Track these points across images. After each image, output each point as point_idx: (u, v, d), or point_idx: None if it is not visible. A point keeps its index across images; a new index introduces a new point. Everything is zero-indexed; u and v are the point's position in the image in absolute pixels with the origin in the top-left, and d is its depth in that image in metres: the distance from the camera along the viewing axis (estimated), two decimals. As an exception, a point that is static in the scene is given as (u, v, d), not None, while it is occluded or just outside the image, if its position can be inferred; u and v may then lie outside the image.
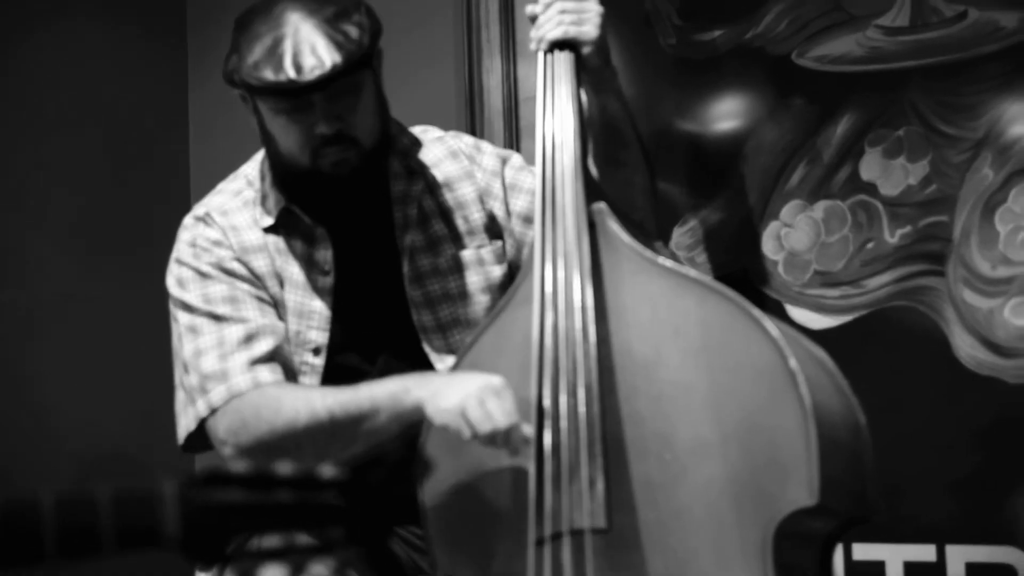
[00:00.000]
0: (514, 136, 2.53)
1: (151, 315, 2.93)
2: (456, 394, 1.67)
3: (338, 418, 1.76)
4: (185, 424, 1.90)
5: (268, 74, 1.82)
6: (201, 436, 1.89)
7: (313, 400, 1.79)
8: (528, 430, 1.65)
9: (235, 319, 1.89)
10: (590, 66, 1.88)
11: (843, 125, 2.24)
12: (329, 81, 1.82)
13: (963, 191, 2.14)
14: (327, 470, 1.12)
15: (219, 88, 3.03)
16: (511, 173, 2.06)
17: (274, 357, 1.88)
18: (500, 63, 2.55)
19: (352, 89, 1.88)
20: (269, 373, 1.86)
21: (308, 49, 1.82)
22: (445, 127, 2.17)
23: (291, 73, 1.81)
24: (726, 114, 2.35)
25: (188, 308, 1.92)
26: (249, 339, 1.87)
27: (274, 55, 1.82)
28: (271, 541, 1.10)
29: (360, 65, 1.85)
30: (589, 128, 1.89)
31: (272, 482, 1.09)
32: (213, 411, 1.85)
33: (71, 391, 2.84)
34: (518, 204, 2.04)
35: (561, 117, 1.82)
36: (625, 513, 1.62)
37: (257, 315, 1.90)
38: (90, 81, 2.97)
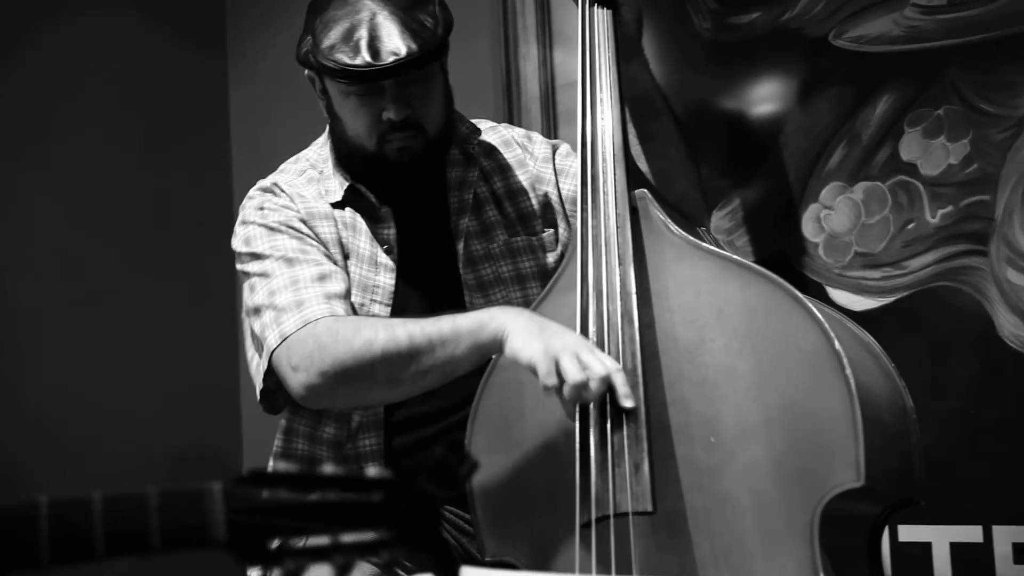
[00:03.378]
0: (551, 122, 2.54)
1: (192, 309, 2.97)
2: (552, 340, 1.63)
3: (417, 342, 1.74)
4: (261, 366, 1.89)
5: (344, 57, 1.86)
6: (279, 388, 1.89)
7: (393, 324, 1.78)
8: (626, 387, 1.62)
9: (308, 261, 1.91)
10: (627, 33, 1.90)
11: (882, 106, 2.23)
12: (403, 68, 1.86)
13: (1005, 170, 2.12)
14: (372, 470, 1.12)
15: (259, 84, 3.07)
16: (560, 160, 2.11)
17: (347, 297, 1.90)
18: (536, 50, 2.56)
19: (423, 78, 1.93)
20: (344, 309, 1.87)
21: (385, 35, 1.86)
22: (482, 114, 2.20)
23: (367, 57, 1.85)
24: (764, 97, 2.34)
25: (258, 257, 1.94)
26: (323, 278, 1.90)
27: (351, 39, 1.87)
28: (318, 540, 1.10)
29: (433, 55, 1.90)
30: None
31: (318, 482, 1.09)
32: (285, 339, 1.84)
33: (109, 383, 2.87)
34: (566, 188, 2.08)
35: (604, 99, 1.83)
36: (671, 497, 1.62)
37: (327, 261, 1.93)
38: (131, 77, 2.99)
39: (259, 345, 1.91)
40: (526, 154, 2.11)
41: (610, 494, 1.62)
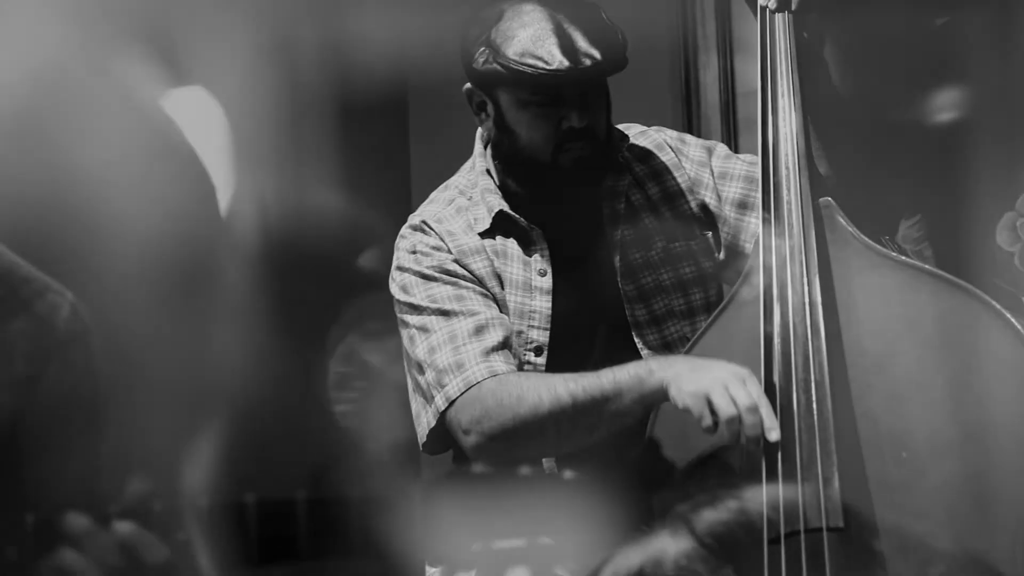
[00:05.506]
0: (732, 132, 2.51)
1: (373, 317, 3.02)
2: (702, 378, 1.66)
3: (581, 402, 1.77)
4: (426, 422, 1.93)
5: (539, 62, 1.85)
6: (442, 434, 1.92)
7: (555, 385, 1.80)
8: (769, 421, 1.63)
9: (464, 313, 1.91)
10: (810, 39, 1.85)
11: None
12: (602, 71, 1.86)
13: None
14: (568, 473, 1.13)
15: (439, 88, 3.10)
16: (719, 162, 2.04)
17: (506, 346, 1.90)
18: (716, 58, 2.53)
19: (603, 84, 1.92)
20: (503, 361, 1.88)
21: (574, 40, 1.85)
22: (661, 124, 2.16)
23: (565, 61, 1.84)
24: (955, 103, 2.27)
25: (416, 309, 1.95)
26: (480, 330, 1.90)
27: (542, 45, 1.85)
28: (516, 542, 1.11)
29: (624, 59, 1.89)
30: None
31: (512, 483, 1.10)
32: (451, 403, 1.87)
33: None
34: (731, 192, 2.01)
35: (784, 106, 1.79)
36: (862, 513, 1.58)
37: (484, 308, 1.92)
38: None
39: (423, 396, 1.94)
40: (680, 156, 2.04)
41: (800, 509, 1.59)
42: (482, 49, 1.90)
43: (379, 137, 3.16)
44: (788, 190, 1.74)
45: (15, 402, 1.27)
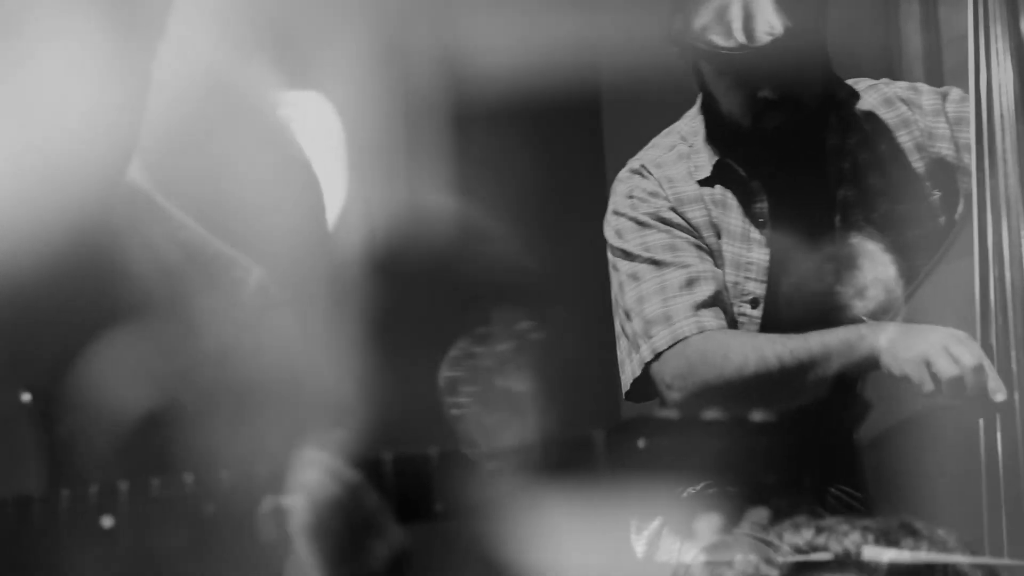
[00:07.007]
0: (937, 82, 2.41)
1: (575, 280, 3.03)
2: (918, 343, 1.63)
3: (787, 365, 1.76)
4: (630, 370, 1.95)
5: (717, 39, 1.82)
6: (645, 383, 1.94)
7: (762, 346, 1.80)
8: (994, 382, 1.59)
9: (676, 264, 1.92)
10: None
11: None
12: (781, 47, 1.81)
13: None
14: (758, 414, 1.10)
15: (630, 57, 3.08)
16: (954, 106, 1.97)
17: (716, 302, 1.90)
18: (918, 5, 2.46)
19: (799, 51, 1.87)
20: (713, 317, 1.88)
21: (758, 11, 1.81)
22: (858, 77, 2.10)
23: (741, 38, 1.81)
24: None
25: (628, 256, 1.97)
26: (691, 283, 1.90)
27: (723, 18, 1.82)
28: (707, 490, 1.09)
29: (812, 29, 1.85)
30: None
31: (701, 427, 1.09)
32: (657, 355, 1.89)
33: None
34: (966, 136, 1.95)
35: (999, 50, 1.72)
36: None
37: (696, 260, 1.93)
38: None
39: (629, 343, 1.95)
40: (912, 109, 1.99)
41: (1021, 468, 1.55)
42: (677, 16, 1.88)
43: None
44: (1004, 138, 1.68)
45: (204, 379, 1.28)
